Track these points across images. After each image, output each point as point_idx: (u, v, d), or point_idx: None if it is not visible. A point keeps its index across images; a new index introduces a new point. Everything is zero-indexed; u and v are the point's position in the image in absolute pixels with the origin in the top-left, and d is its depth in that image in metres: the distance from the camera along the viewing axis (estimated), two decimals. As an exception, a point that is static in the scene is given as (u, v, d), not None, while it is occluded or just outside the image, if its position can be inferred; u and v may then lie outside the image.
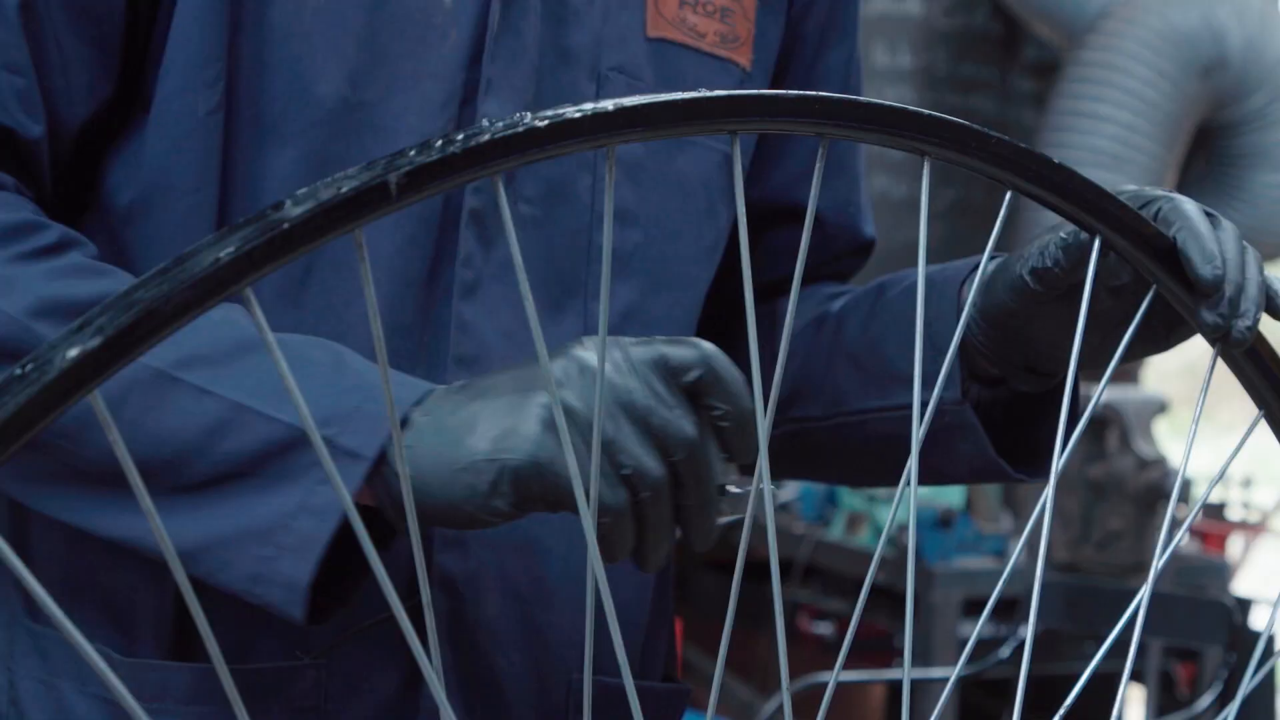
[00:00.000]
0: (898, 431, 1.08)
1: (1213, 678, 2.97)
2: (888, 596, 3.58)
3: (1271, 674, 3.30)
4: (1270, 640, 0.75)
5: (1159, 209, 0.86)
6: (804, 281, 1.14)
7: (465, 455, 0.81)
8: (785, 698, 0.59)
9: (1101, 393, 0.70)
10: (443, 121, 1.00)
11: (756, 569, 1.20)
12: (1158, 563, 0.68)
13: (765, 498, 0.64)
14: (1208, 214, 0.86)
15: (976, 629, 0.66)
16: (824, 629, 3.83)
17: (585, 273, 1.05)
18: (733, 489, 0.83)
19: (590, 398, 0.81)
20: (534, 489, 0.81)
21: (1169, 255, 0.79)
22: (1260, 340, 0.81)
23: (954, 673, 0.64)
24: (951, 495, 3.75)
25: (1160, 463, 3.69)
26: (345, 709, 0.98)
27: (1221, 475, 0.75)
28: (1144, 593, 0.66)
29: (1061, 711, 0.66)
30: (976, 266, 1.01)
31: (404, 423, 0.84)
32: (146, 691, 0.97)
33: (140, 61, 0.99)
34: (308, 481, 0.84)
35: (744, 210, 0.58)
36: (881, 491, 3.84)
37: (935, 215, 4.66)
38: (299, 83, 0.97)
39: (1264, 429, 0.78)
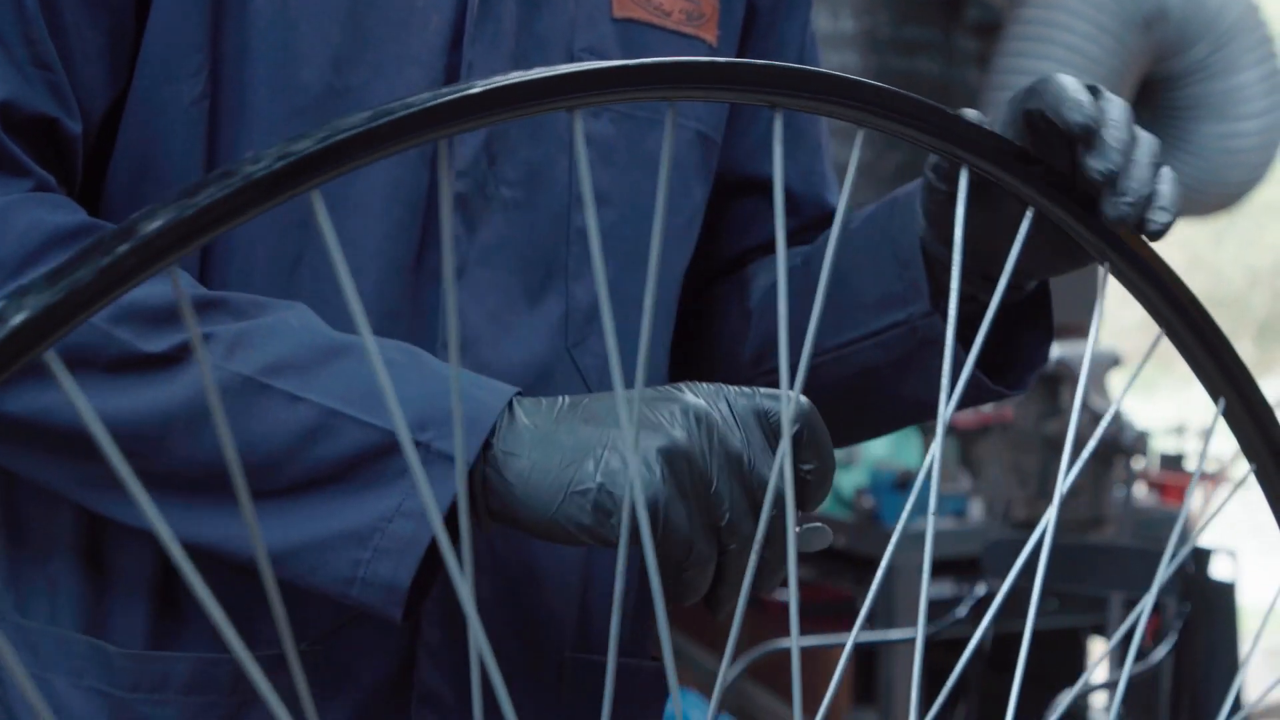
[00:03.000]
0: (875, 361, 1.08)
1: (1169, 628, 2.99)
2: (850, 561, 3.59)
3: (1235, 621, 3.33)
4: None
5: (1034, 85, 0.85)
6: (774, 252, 1.12)
7: (582, 480, 0.83)
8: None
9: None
10: None
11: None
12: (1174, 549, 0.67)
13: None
14: (1092, 89, 0.84)
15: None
16: (786, 595, 3.83)
17: (566, 254, 1.05)
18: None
19: (701, 443, 0.83)
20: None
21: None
22: (1151, 254, 0.73)
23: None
24: (909, 457, 3.76)
25: (1115, 417, 3.71)
26: (341, 693, 0.99)
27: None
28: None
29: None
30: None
31: (508, 412, 0.86)
32: (146, 683, 0.97)
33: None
34: (404, 485, 0.85)
35: (781, 188, 0.56)
36: (839, 454, 3.84)
37: (883, 178, 4.66)
38: (284, 70, 0.97)
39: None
